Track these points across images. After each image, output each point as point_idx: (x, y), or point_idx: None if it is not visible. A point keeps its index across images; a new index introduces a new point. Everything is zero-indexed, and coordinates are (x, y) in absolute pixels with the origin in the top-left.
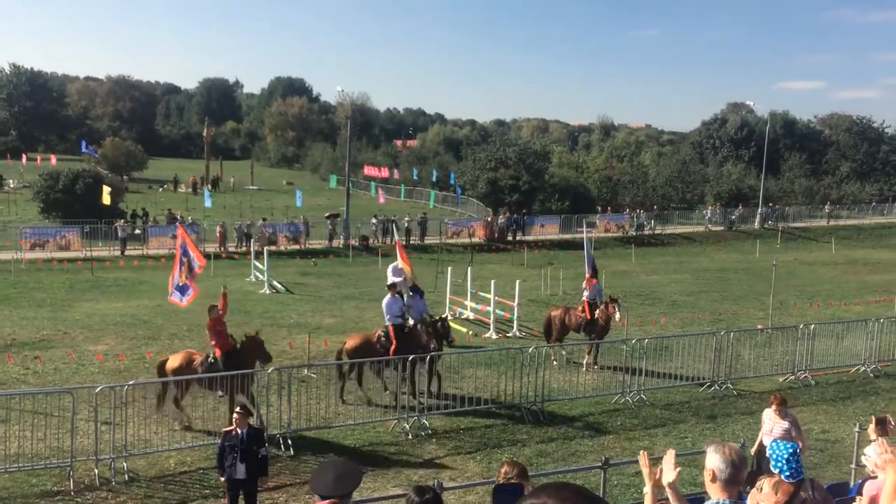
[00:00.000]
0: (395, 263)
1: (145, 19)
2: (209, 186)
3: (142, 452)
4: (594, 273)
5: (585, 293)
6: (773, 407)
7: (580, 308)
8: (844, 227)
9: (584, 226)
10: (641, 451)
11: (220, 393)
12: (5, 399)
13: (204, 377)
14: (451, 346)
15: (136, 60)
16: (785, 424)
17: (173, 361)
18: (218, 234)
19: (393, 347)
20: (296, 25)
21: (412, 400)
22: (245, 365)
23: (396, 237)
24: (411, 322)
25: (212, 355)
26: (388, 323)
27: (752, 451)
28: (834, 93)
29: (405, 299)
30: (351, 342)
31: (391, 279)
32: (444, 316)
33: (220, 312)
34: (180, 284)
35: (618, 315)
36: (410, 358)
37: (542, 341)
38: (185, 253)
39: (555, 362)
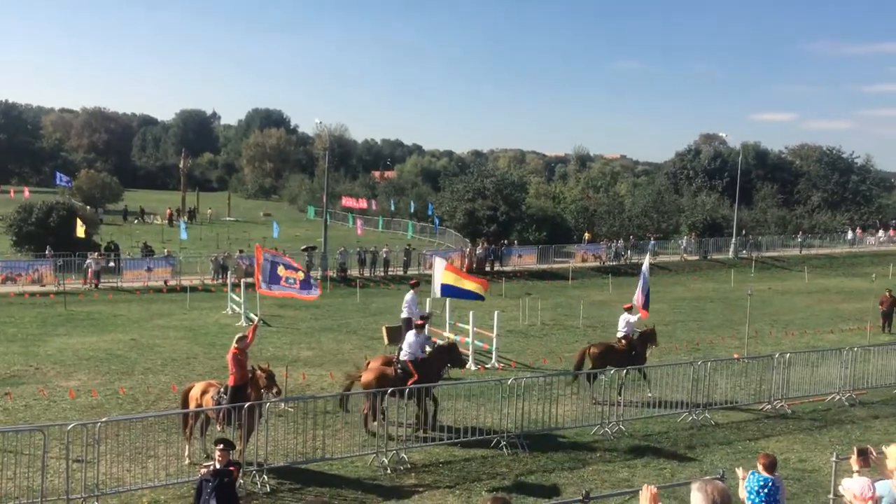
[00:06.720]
0: (411, 295)
1: (122, 52)
2: (185, 218)
3: (114, 491)
4: (646, 304)
5: (625, 328)
6: (760, 468)
7: (621, 343)
8: (817, 257)
9: (648, 254)
10: (645, 486)
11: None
12: None
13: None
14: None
15: (112, 92)
16: None
17: (195, 390)
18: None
19: (413, 380)
20: (273, 58)
21: (426, 429)
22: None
23: (441, 261)
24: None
25: (225, 386)
26: (405, 358)
27: None
28: (805, 123)
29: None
30: (367, 376)
31: (416, 315)
32: (453, 341)
33: (248, 342)
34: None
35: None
36: (419, 387)
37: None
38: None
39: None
